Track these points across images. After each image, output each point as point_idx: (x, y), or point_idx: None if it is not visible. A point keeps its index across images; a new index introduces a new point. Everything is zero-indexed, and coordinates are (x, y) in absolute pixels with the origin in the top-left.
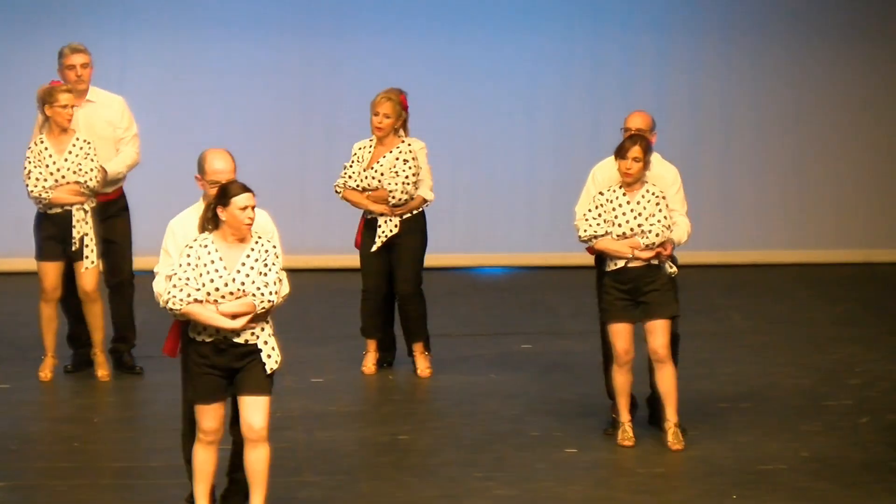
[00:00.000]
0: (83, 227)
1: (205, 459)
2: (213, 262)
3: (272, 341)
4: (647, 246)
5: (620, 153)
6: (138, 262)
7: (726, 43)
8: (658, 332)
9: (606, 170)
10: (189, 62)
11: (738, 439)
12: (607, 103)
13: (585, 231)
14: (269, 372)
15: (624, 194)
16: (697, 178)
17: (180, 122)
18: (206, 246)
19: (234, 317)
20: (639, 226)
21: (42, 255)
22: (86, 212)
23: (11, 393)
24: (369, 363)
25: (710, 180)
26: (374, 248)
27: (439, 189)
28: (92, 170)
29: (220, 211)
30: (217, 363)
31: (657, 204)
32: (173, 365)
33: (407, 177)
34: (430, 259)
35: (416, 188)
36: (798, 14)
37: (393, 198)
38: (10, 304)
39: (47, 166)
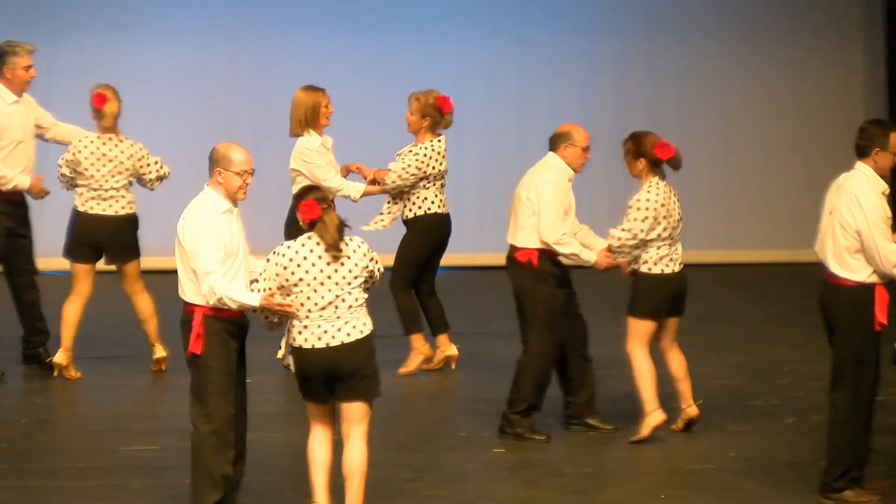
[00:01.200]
0: None
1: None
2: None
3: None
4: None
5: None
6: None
7: (653, 47)
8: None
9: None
10: (114, 65)
11: (667, 439)
12: (534, 107)
13: None
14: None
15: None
16: (625, 181)
17: None
18: None
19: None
20: None
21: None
22: None
23: None
24: None
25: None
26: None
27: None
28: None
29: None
30: None
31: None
32: (103, 366)
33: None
34: None
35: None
36: (723, 16)
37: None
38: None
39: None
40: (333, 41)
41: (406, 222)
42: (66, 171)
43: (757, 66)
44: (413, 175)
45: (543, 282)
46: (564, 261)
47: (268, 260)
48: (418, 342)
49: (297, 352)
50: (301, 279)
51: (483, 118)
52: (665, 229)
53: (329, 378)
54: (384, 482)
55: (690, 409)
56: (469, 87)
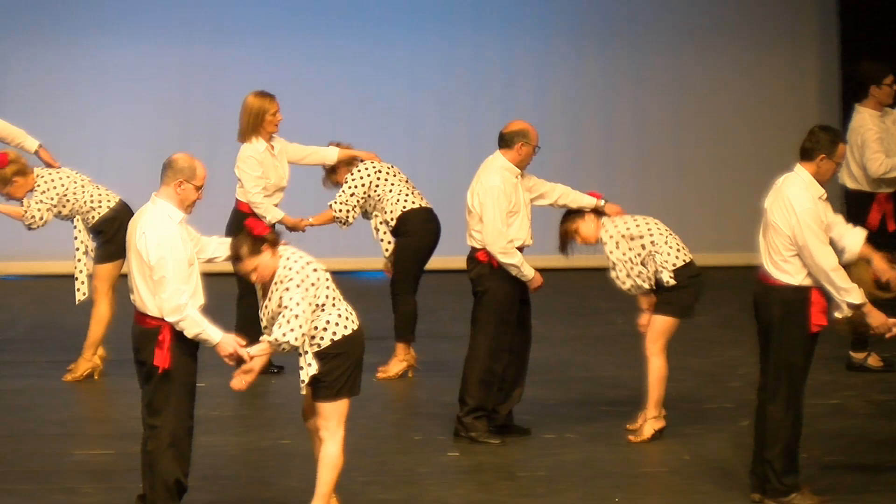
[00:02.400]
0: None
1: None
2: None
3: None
4: None
5: None
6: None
7: (606, 51)
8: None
9: None
10: (68, 65)
11: (621, 442)
12: (488, 111)
13: None
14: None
15: None
16: (577, 183)
17: (60, 126)
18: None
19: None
20: None
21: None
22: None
23: None
24: None
25: (590, 184)
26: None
27: (315, 193)
28: None
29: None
30: None
31: None
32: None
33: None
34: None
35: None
36: (676, 20)
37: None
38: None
39: None
40: (288, 45)
41: (394, 231)
42: None
43: (710, 68)
44: (354, 205)
45: (503, 280)
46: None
47: (299, 286)
48: (404, 350)
49: (347, 341)
50: (318, 278)
51: (437, 122)
52: (657, 230)
53: None
54: (338, 485)
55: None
56: (423, 90)
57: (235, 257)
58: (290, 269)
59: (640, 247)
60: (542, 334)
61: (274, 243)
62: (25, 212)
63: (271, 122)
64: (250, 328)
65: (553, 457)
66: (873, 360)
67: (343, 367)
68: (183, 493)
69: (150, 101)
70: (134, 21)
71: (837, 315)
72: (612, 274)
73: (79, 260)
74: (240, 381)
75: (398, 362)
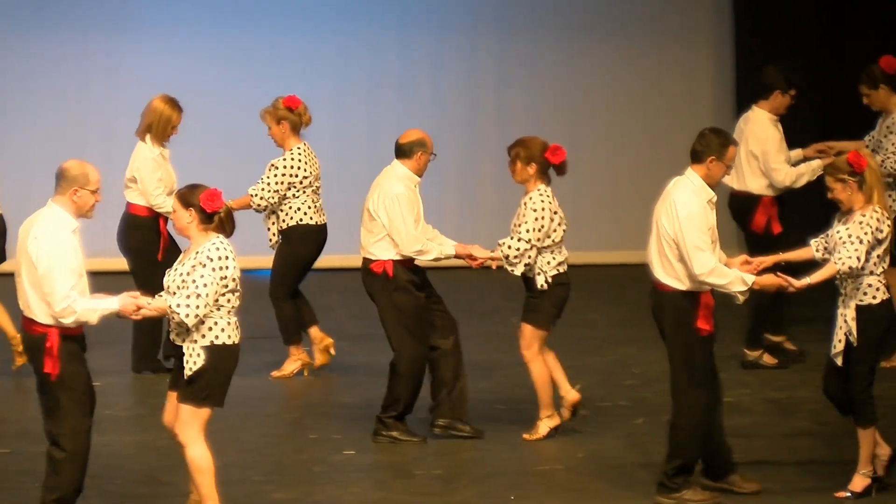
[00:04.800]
0: None
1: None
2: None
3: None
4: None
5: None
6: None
7: (501, 48)
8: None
9: None
10: None
11: (517, 441)
12: (384, 109)
13: None
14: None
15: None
16: (475, 182)
17: None
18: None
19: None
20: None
21: None
22: None
23: None
24: None
25: (488, 183)
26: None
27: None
28: None
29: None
30: None
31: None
32: None
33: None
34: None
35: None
36: (573, 17)
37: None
38: None
39: None
40: (185, 42)
41: (282, 232)
42: None
43: (605, 67)
44: (276, 192)
45: (401, 289)
46: (421, 263)
47: (215, 270)
48: (297, 351)
49: (224, 350)
50: (234, 279)
51: (332, 119)
52: (557, 234)
53: None
54: (234, 484)
55: (571, 395)
56: (319, 88)
57: (182, 196)
58: (217, 250)
59: (545, 235)
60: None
61: (209, 219)
62: None
63: (170, 132)
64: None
65: (449, 455)
66: (767, 359)
67: (214, 375)
68: (78, 495)
69: (45, 99)
70: (28, 19)
71: (738, 302)
72: (519, 229)
73: None
74: (130, 304)
75: (292, 362)
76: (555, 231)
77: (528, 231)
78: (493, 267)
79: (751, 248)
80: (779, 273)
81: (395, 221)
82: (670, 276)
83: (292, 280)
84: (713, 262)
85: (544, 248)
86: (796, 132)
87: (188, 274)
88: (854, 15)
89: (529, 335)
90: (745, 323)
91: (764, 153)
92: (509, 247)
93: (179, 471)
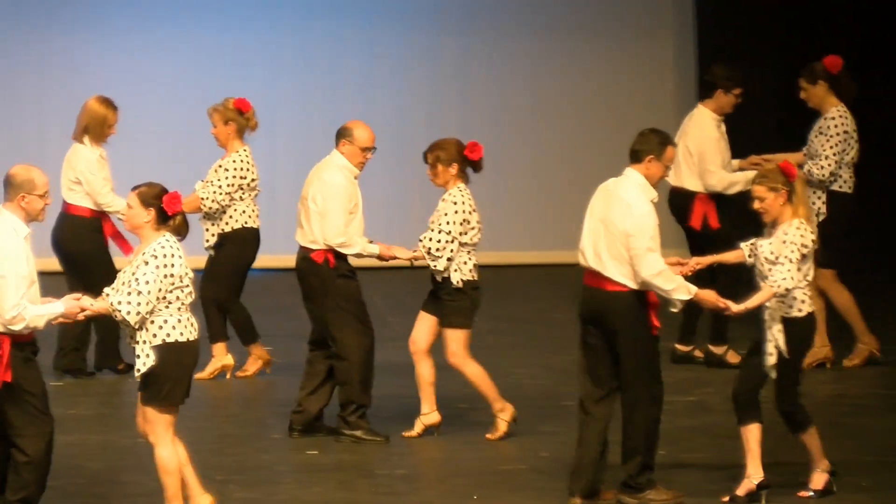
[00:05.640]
0: None
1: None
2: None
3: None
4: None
5: None
6: None
7: (465, 46)
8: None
9: None
10: None
11: (479, 440)
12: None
13: None
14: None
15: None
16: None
17: None
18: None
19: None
20: None
21: None
22: None
23: None
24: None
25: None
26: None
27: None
28: None
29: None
30: None
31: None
32: None
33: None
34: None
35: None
36: (534, 15)
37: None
38: None
39: None
40: (141, 39)
41: (224, 235)
42: None
43: (565, 66)
44: (227, 193)
45: (344, 277)
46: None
47: (158, 268)
48: (257, 349)
49: (180, 347)
50: (182, 276)
51: (295, 118)
52: (474, 235)
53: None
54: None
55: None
56: (280, 87)
57: (142, 194)
58: (163, 248)
59: (470, 228)
60: (400, 332)
61: (166, 220)
62: None
63: (107, 133)
64: None
65: (412, 455)
66: (731, 357)
67: (172, 373)
68: (42, 492)
69: (4, 99)
70: None
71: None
72: (432, 226)
73: None
74: (74, 307)
75: (254, 361)
76: (472, 229)
77: (448, 223)
78: (412, 264)
79: (691, 244)
80: (720, 298)
81: (328, 209)
82: (624, 276)
83: (240, 282)
84: (662, 264)
85: (462, 244)
86: (756, 127)
87: (132, 273)
88: (818, 10)
89: (454, 340)
90: (710, 321)
91: (700, 154)
92: (430, 239)
93: (140, 470)
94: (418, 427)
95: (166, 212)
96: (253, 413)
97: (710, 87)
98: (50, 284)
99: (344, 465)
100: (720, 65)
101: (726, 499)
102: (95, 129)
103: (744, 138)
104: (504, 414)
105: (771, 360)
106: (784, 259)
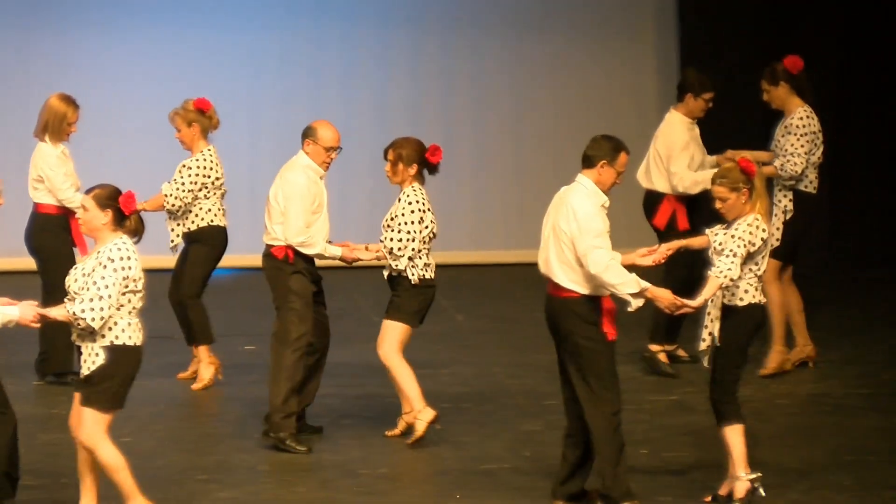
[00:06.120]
0: None
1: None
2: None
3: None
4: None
5: None
6: None
7: (446, 44)
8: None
9: None
10: None
11: (462, 439)
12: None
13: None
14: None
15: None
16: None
17: None
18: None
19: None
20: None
21: None
22: None
23: None
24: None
25: (429, 181)
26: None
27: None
28: None
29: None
30: None
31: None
32: None
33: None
34: (153, 262)
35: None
36: (514, 15)
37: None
38: None
39: None
40: (121, 39)
41: (190, 234)
42: None
43: (548, 65)
44: (191, 191)
45: (299, 273)
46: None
47: (116, 270)
48: (206, 353)
49: (126, 351)
50: (137, 279)
51: (277, 117)
52: (428, 234)
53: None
54: (177, 483)
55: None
56: (262, 86)
57: (98, 196)
58: (119, 250)
59: (424, 227)
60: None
61: (123, 221)
62: None
63: (66, 130)
64: None
65: (394, 454)
66: (681, 352)
67: (117, 377)
68: (16, 484)
69: None
70: None
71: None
72: (391, 226)
73: None
74: (30, 313)
75: (207, 366)
76: (426, 227)
77: (407, 223)
78: (374, 262)
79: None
80: (678, 297)
81: (289, 208)
82: (572, 282)
83: (205, 281)
84: (608, 260)
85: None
86: (741, 127)
87: (88, 275)
88: (801, 10)
89: (392, 333)
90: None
91: (667, 155)
92: (391, 239)
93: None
94: (401, 426)
95: (123, 212)
96: (233, 413)
97: (682, 90)
98: (25, 284)
99: (326, 464)
100: (692, 69)
101: (708, 499)
102: (55, 126)
103: (728, 138)
104: (426, 414)
105: (702, 345)
106: (728, 252)
